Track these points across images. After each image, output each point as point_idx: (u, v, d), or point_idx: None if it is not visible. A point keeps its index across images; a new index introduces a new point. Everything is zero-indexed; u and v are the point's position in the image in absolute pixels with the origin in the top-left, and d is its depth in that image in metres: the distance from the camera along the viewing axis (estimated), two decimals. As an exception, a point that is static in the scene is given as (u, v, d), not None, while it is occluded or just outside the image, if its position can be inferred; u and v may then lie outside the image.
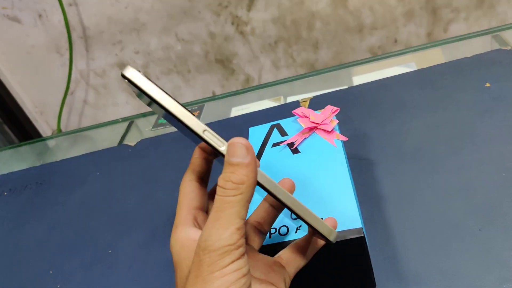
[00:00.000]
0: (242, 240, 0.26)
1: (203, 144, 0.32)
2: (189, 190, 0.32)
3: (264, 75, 1.58)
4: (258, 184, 0.28)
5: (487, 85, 0.54)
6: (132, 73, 0.27)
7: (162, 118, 0.75)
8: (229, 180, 0.26)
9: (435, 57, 0.68)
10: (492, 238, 0.37)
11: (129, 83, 0.28)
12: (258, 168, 0.28)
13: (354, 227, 0.35)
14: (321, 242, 0.33)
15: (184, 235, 0.29)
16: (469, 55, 0.61)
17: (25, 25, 1.49)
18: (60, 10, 1.39)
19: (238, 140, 0.27)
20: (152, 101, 0.28)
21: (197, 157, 0.33)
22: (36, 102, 1.69)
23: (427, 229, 0.41)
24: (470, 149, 0.46)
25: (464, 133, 0.49)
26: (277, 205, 0.34)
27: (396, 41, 1.53)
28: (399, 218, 0.43)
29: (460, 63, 0.60)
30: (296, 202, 0.29)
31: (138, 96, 0.31)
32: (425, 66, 0.63)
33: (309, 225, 0.29)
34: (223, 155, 0.28)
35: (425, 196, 0.44)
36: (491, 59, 0.58)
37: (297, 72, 1.58)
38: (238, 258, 0.25)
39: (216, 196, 0.26)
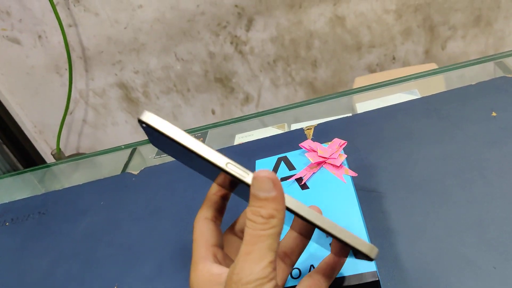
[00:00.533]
0: (274, 273, 0.26)
1: (220, 179, 0.31)
2: (205, 229, 0.32)
3: (264, 94, 1.59)
4: (288, 210, 0.27)
5: (493, 114, 0.54)
6: (150, 117, 0.27)
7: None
8: (259, 215, 0.26)
9: (437, 83, 0.69)
10: (508, 277, 0.37)
11: (145, 127, 0.28)
12: (286, 194, 0.27)
13: (369, 270, 0.34)
14: (343, 261, 0.32)
15: (207, 271, 0.29)
16: (472, 82, 0.61)
17: (24, 46, 1.49)
18: (59, 31, 1.40)
19: (263, 174, 0.26)
20: (171, 142, 0.28)
21: (213, 194, 0.33)
22: (35, 122, 1.69)
23: (440, 265, 0.40)
24: (480, 182, 0.46)
25: (473, 165, 0.48)
26: (306, 232, 0.32)
27: (394, 58, 1.54)
28: (410, 254, 0.42)
29: (465, 90, 0.60)
30: (331, 223, 0.28)
31: (150, 139, 0.31)
32: (427, 92, 0.63)
33: (348, 245, 0.28)
34: (248, 186, 0.27)
35: (436, 231, 0.43)
36: (495, 87, 0.59)
37: (296, 90, 1.58)
38: None
39: (247, 229, 0.26)
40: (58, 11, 1.36)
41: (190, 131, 0.77)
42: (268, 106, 1.60)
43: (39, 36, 1.47)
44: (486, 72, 0.65)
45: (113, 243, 0.58)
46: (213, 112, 1.64)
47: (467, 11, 1.40)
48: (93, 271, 0.55)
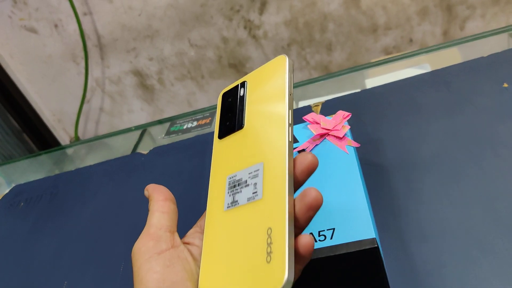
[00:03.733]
0: None
1: None
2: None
3: (278, 78, 1.58)
4: None
5: (505, 85, 0.52)
6: None
7: (174, 126, 0.75)
8: None
9: (450, 57, 0.67)
10: (514, 248, 0.36)
11: None
12: None
13: (367, 237, 0.34)
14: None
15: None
16: (485, 55, 0.59)
17: (41, 35, 1.51)
18: (75, 19, 1.41)
19: None
20: None
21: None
22: (53, 110, 1.72)
23: (445, 240, 0.39)
24: (490, 156, 0.45)
25: (484, 139, 0.47)
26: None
27: (411, 40, 1.50)
28: (416, 228, 0.41)
29: (476, 63, 0.58)
30: None
31: None
32: (440, 67, 0.62)
33: None
34: None
35: (443, 206, 0.42)
36: (507, 58, 0.57)
37: (310, 74, 1.56)
38: None
39: None
40: (73, -1, 1.37)
41: (202, 111, 0.76)
42: (282, 91, 1.59)
43: (55, 25, 1.49)
44: (500, 44, 0.62)
45: (121, 223, 0.59)
46: (228, 98, 1.64)
47: (486, -11, 1.35)
48: (101, 250, 0.55)
